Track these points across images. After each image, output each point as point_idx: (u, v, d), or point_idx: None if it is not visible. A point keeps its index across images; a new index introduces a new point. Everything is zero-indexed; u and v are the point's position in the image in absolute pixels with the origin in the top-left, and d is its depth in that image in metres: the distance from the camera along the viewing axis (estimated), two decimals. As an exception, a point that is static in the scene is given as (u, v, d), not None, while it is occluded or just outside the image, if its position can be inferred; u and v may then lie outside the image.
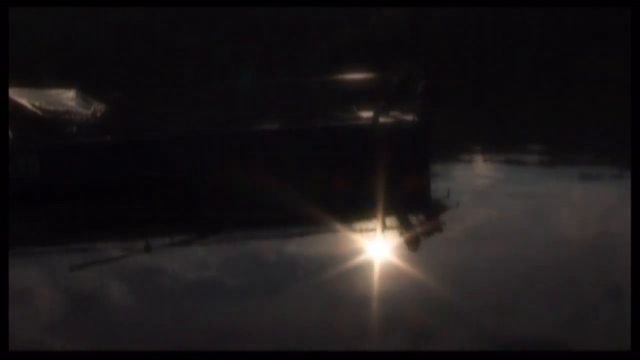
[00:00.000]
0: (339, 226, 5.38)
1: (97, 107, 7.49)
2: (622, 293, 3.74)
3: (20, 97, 6.77)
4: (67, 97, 7.38)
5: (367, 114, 6.81)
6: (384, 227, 5.50)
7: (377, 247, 5.12)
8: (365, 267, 4.65)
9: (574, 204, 5.92)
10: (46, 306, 4.35)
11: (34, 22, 13.49)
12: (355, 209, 5.85)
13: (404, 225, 5.58)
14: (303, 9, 13.76)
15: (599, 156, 7.62)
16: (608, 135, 8.29)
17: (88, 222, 6.08)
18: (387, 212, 5.66)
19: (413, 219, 5.76)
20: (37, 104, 6.82)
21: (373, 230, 5.50)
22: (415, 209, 5.99)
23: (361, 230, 5.45)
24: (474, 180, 6.93)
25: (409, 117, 6.59)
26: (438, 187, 6.51)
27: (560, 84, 12.06)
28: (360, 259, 4.79)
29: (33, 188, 6.30)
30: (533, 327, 3.64)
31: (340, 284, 4.30)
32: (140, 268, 4.94)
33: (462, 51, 13.15)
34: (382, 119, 6.58)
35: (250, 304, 4.13)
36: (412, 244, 5.06)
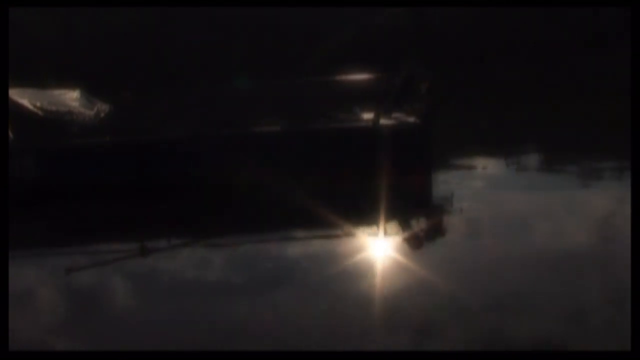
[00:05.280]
0: (340, 228, 5.38)
1: (101, 108, 7.46)
2: (625, 294, 3.73)
3: (22, 97, 6.76)
4: (71, 98, 7.36)
5: (369, 116, 6.79)
6: (386, 230, 5.50)
7: (379, 250, 5.11)
8: (367, 270, 4.65)
9: (575, 206, 5.92)
10: (41, 309, 4.36)
11: (37, 23, 13.48)
12: (356, 211, 5.84)
13: (406, 227, 5.57)
14: (303, 9, 13.74)
15: (599, 157, 7.61)
16: (609, 136, 8.27)
17: (85, 224, 6.07)
18: (389, 214, 5.65)
19: (415, 222, 5.75)
20: (38, 104, 6.81)
21: (375, 232, 5.49)
22: (418, 212, 5.99)
23: (363, 233, 5.45)
24: (476, 182, 6.91)
25: (411, 119, 6.58)
26: (440, 190, 6.51)
27: (560, 85, 12.05)
28: (362, 261, 4.79)
29: (29, 189, 6.27)
30: (534, 329, 3.66)
31: (342, 287, 4.30)
32: (137, 271, 4.94)
33: (462, 52, 13.14)
34: (383, 121, 6.55)
35: (249, 307, 4.13)
36: (415, 247, 5.06)
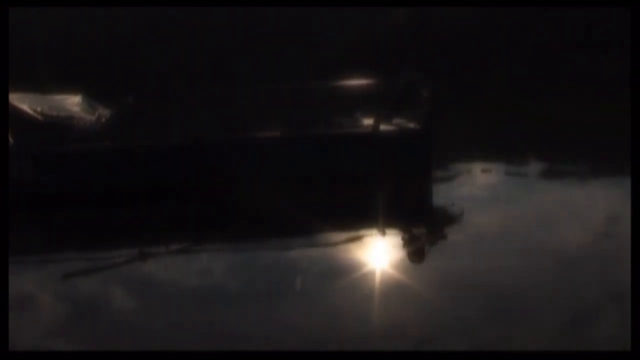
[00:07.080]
0: (339, 236, 5.38)
1: (102, 113, 7.45)
2: (625, 302, 3.73)
3: (22, 102, 6.76)
4: (72, 103, 7.34)
5: (369, 122, 6.76)
6: (386, 237, 5.49)
7: (378, 258, 5.11)
8: (367, 278, 4.65)
9: (576, 211, 5.92)
10: (38, 313, 4.37)
11: (37, 24, 13.47)
12: (356, 218, 5.83)
13: (406, 235, 5.57)
14: (304, 10, 13.71)
15: (600, 163, 7.61)
16: (609, 139, 8.27)
17: (83, 229, 6.07)
18: (389, 221, 5.65)
19: (415, 229, 5.75)
20: (38, 109, 6.80)
21: (375, 239, 5.49)
22: (418, 218, 5.98)
23: (362, 240, 5.44)
24: (477, 189, 6.91)
25: (412, 125, 6.56)
26: (441, 195, 6.50)
27: (561, 86, 12.05)
28: (361, 269, 4.79)
29: (29, 194, 6.25)
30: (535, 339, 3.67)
31: (341, 296, 4.30)
32: (135, 276, 4.96)
33: (463, 53, 13.13)
34: (384, 127, 6.54)
35: (246, 314, 4.13)
36: (415, 255, 5.06)
